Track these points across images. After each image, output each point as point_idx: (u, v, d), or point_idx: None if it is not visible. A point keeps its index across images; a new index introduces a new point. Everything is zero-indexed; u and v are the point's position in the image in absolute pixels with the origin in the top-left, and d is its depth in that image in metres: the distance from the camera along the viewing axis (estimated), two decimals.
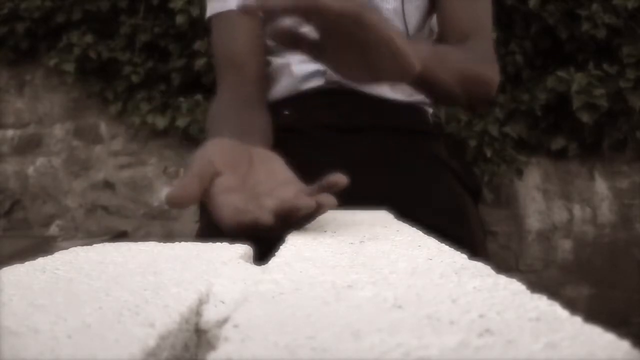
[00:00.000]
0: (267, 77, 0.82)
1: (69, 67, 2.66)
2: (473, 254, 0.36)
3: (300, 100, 0.81)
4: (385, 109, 0.78)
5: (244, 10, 0.44)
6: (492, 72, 0.71)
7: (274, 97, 0.83)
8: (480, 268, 0.29)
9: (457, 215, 0.76)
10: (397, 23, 0.79)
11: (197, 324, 0.25)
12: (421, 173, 0.78)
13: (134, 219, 2.78)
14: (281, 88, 0.83)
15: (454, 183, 0.79)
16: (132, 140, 2.81)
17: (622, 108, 2.37)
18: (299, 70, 0.80)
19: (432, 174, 0.78)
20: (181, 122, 2.57)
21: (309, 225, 0.51)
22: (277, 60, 0.83)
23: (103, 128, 2.84)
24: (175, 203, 0.43)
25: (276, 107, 0.83)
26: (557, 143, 2.53)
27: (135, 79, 2.62)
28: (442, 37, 0.79)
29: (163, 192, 2.77)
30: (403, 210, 0.64)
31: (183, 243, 0.44)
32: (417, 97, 0.83)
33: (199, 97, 2.53)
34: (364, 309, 0.22)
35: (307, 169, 0.76)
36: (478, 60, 0.71)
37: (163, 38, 2.61)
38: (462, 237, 0.71)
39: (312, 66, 0.80)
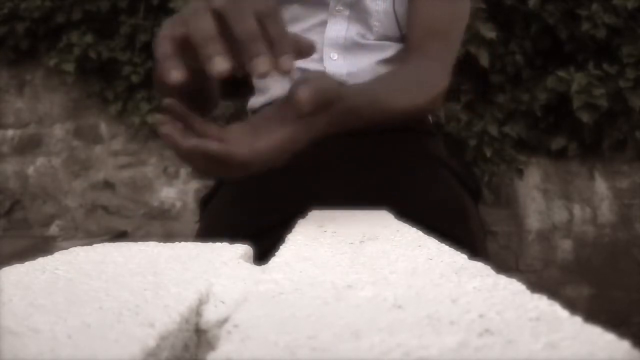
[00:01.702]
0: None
1: (69, 67, 2.66)
2: (473, 253, 0.36)
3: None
4: None
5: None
6: (422, 97, 0.69)
7: (271, 98, 0.83)
8: (480, 268, 0.29)
9: (457, 215, 0.75)
10: (389, 24, 0.78)
11: (197, 324, 0.25)
12: (421, 172, 0.78)
13: (134, 219, 2.78)
14: (278, 90, 0.83)
15: (454, 183, 0.79)
16: (132, 140, 2.81)
17: (622, 108, 2.37)
18: (296, 70, 0.80)
19: (431, 174, 0.78)
20: None
21: (309, 226, 0.51)
22: None
23: (103, 128, 2.84)
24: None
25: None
26: (557, 143, 2.53)
27: (135, 79, 2.62)
28: (405, 38, 0.79)
29: (163, 192, 2.77)
30: (403, 209, 0.64)
31: (183, 243, 0.44)
32: None
33: None
34: (364, 309, 0.22)
35: (306, 169, 0.76)
36: (409, 84, 0.69)
37: None
38: (462, 236, 0.71)
39: (309, 66, 0.80)
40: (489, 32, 2.33)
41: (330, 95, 0.50)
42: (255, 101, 0.88)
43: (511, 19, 2.51)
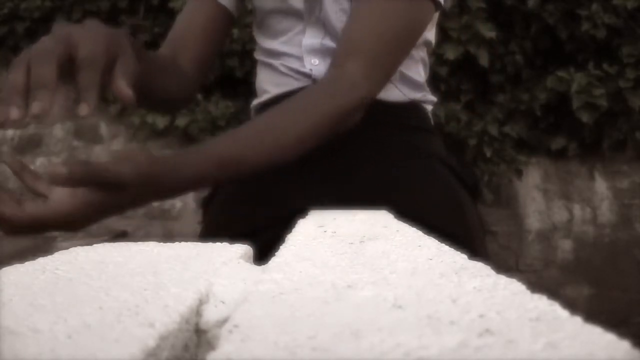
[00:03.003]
0: (202, 63, 0.84)
1: None
2: (471, 250, 0.36)
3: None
4: (380, 108, 0.78)
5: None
6: (274, 150, 0.66)
7: (269, 97, 0.84)
8: (480, 268, 0.29)
9: (455, 212, 0.76)
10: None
11: (197, 324, 0.25)
12: (418, 170, 0.78)
13: (134, 219, 2.78)
14: (275, 90, 0.83)
15: (452, 180, 0.80)
16: (132, 140, 2.81)
17: (622, 108, 2.37)
18: (287, 70, 0.81)
19: (429, 171, 0.78)
20: (181, 122, 2.57)
21: (309, 226, 0.51)
22: (267, 61, 0.84)
23: (103, 128, 2.84)
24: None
25: (271, 106, 0.84)
26: (557, 143, 2.53)
27: None
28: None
29: None
30: (400, 207, 0.64)
31: (183, 243, 0.44)
32: (414, 95, 0.83)
33: (198, 96, 2.54)
34: (364, 309, 0.22)
35: (304, 168, 0.76)
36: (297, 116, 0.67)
37: (163, 38, 2.61)
38: (460, 233, 0.71)
39: (298, 66, 0.80)
40: (489, 32, 2.33)
41: (102, 179, 0.52)
42: (256, 102, 0.88)
43: (511, 19, 2.51)
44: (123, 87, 0.53)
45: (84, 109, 0.49)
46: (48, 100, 0.48)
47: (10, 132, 2.88)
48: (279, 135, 0.66)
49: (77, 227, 0.54)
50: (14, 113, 0.48)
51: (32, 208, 0.51)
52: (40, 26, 2.73)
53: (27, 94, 0.49)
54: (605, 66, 2.37)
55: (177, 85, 0.79)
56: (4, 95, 0.49)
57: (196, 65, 0.82)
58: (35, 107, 0.48)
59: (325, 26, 0.80)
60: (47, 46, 0.51)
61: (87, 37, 0.52)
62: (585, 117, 2.34)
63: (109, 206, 0.53)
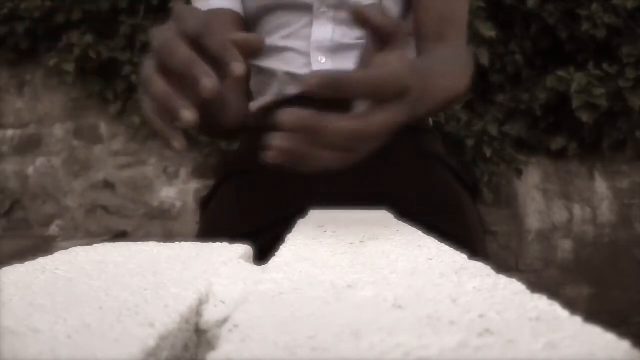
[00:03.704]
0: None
1: (69, 67, 2.66)
2: (471, 250, 0.35)
3: (294, 101, 0.81)
4: None
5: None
6: (463, 81, 0.71)
7: (265, 100, 0.83)
8: (480, 268, 0.29)
9: (455, 212, 0.76)
10: None
11: (197, 324, 0.25)
12: (417, 170, 0.78)
13: (134, 219, 2.78)
14: (272, 91, 0.83)
15: (451, 179, 0.79)
16: (132, 140, 2.81)
17: (622, 108, 2.37)
18: (285, 75, 0.80)
19: (428, 171, 0.78)
20: None
21: (309, 226, 0.51)
22: (265, 64, 0.83)
23: (103, 128, 2.84)
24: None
25: (272, 110, 0.83)
26: (557, 143, 2.53)
27: (135, 79, 2.62)
28: (416, 35, 0.78)
29: (163, 192, 2.77)
30: (400, 207, 0.64)
31: (183, 243, 0.44)
32: None
33: None
34: (364, 309, 0.22)
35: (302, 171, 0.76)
36: (457, 67, 0.72)
37: None
38: (460, 233, 0.71)
39: (301, 65, 0.79)
40: (489, 32, 2.33)
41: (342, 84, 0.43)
42: (253, 105, 0.88)
43: (511, 18, 2.51)
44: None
45: (238, 68, 0.42)
46: (210, 73, 0.41)
47: (10, 132, 2.88)
48: (459, 75, 0.70)
49: (409, 88, 0.43)
50: (209, 82, 0.40)
51: (365, 70, 0.41)
52: (40, 26, 2.73)
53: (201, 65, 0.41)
54: (605, 66, 2.37)
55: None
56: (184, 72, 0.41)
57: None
58: (239, 67, 0.41)
59: (335, 17, 0.78)
60: (167, 35, 0.44)
61: (192, 17, 0.45)
62: (585, 117, 2.34)
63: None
